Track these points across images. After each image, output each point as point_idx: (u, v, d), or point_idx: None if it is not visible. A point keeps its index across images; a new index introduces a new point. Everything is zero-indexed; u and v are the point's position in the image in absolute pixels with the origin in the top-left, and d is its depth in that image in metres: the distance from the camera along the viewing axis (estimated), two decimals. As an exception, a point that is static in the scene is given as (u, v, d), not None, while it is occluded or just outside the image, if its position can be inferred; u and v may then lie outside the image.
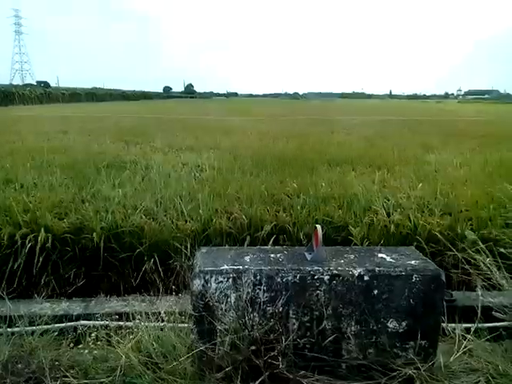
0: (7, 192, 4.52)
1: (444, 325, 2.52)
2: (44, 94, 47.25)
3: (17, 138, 10.27)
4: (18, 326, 2.65)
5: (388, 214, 4.07)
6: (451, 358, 2.32)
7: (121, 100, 60.84)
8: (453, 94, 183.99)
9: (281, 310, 2.25)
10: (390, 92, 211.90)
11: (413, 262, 2.36)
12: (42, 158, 7.03)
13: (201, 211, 4.05)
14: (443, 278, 2.28)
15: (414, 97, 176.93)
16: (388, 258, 2.41)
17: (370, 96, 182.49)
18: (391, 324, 2.28)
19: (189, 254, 3.48)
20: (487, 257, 3.02)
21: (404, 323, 2.28)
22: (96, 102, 51.14)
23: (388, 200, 4.44)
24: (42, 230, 3.55)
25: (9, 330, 2.61)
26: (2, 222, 3.70)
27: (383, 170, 6.40)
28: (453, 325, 2.60)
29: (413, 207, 4.22)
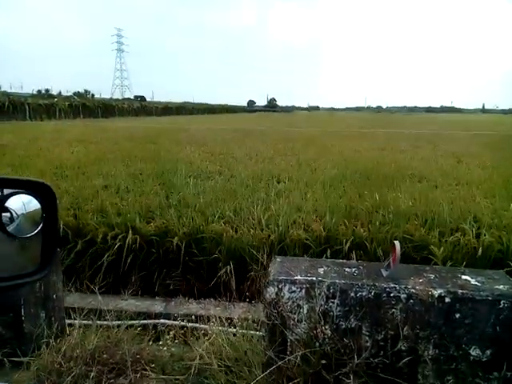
0: (104, 196, 4.96)
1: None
2: (140, 107, 51.12)
3: (116, 147, 11.20)
4: (106, 319, 2.88)
5: (477, 235, 3.81)
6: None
7: (208, 113, 63.65)
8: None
9: (354, 325, 2.21)
10: (483, 106, 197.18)
11: (501, 287, 2.19)
12: (135, 165, 7.62)
13: (279, 222, 4.10)
14: (535, 305, 2.09)
15: (510, 111, 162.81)
16: (473, 281, 2.27)
17: (459, 110, 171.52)
18: (474, 352, 2.13)
19: (264, 263, 3.54)
20: None
21: (488, 351, 2.12)
22: (186, 115, 54.04)
23: (477, 220, 4.16)
24: (130, 231, 3.84)
25: (98, 322, 2.85)
26: (98, 222, 4.07)
27: (471, 188, 5.99)
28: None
29: (505, 229, 3.91)
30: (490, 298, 2.11)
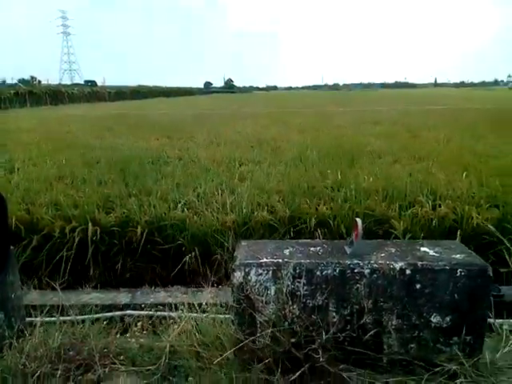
0: (59, 187, 4.77)
1: (491, 320, 2.44)
2: (91, 92, 49.06)
3: (68, 136, 10.77)
4: (69, 315, 2.80)
5: (434, 207, 3.96)
6: (498, 355, 2.24)
7: (164, 97, 62.14)
8: (502, 81, 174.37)
9: (321, 303, 2.25)
10: (435, 80, 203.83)
11: (457, 256, 2.29)
12: (91, 154, 7.36)
13: (243, 204, 4.10)
14: (490, 272, 2.20)
15: (462, 85, 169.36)
16: (431, 252, 2.36)
17: (413, 85, 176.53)
18: (434, 319, 2.23)
19: (230, 247, 3.54)
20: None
21: (448, 318, 2.22)
22: (141, 100, 52.56)
23: (432, 193, 4.31)
24: (90, 223, 3.73)
25: (61, 318, 2.76)
26: (54, 216, 3.92)
27: (428, 161, 6.20)
28: (500, 320, 2.51)
29: (459, 199, 4.08)
30: (447, 268, 2.20)
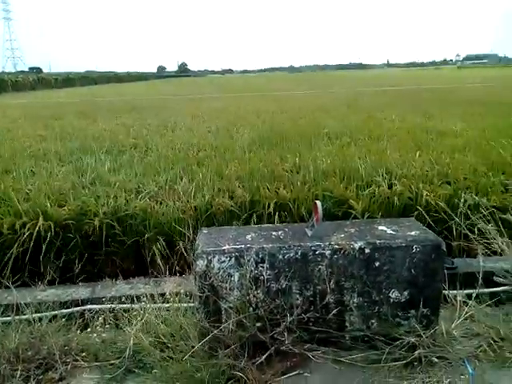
0: (6, 182, 4.51)
1: (446, 292, 2.56)
2: (37, 80, 46.58)
3: (12, 126, 10.20)
4: (25, 314, 2.69)
5: (390, 186, 4.07)
6: (453, 325, 2.36)
7: (115, 82, 60.00)
8: (451, 60, 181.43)
9: (284, 286, 2.28)
10: (388, 61, 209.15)
11: (413, 233, 2.38)
12: (38, 145, 7.00)
13: (205, 191, 4.05)
14: (443, 247, 2.30)
15: (413, 65, 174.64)
16: (388, 230, 2.43)
17: (367, 66, 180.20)
18: (393, 294, 2.31)
19: (192, 236, 3.49)
20: (489, 223, 3.04)
21: (406, 293, 2.31)
22: (90, 86, 50.51)
23: (388, 172, 4.43)
24: (41, 217, 3.56)
25: (17, 317, 2.64)
26: (4, 212, 3.71)
27: (383, 141, 6.36)
28: (454, 292, 2.63)
29: (413, 177, 4.22)
30: (404, 245, 2.28)
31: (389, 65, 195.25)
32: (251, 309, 2.26)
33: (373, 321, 2.35)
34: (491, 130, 6.83)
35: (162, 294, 2.85)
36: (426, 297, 2.32)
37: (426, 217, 3.56)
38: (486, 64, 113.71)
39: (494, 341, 2.29)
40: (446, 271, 2.40)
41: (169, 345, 2.35)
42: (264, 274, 2.25)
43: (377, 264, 2.28)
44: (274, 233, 2.46)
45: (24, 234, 3.44)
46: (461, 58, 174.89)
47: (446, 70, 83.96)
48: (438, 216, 3.64)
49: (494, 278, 2.79)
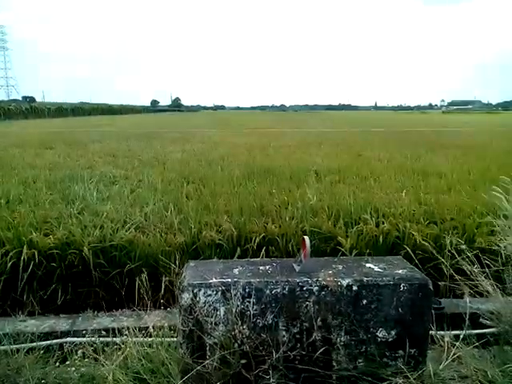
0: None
1: (433, 332, 2.54)
2: (30, 109, 46.86)
3: (2, 153, 10.16)
4: (3, 345, 2.60)
5: (377, 224, 4.10)
6: (441, 366, 2.32)
7: (107, 114, 60.52)
8: (436, 105, 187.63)
9: (271, 322, 2.24)
10: (376, 104, 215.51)
11: (400, 271, 2.38)
12: (27, 173, 6.96)
13: (191, 224, 4.03)
14: (430, 286, 2.30)
15: (399, 108, 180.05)
16: (376, 268, 2.43)
17: (355, 108, 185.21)
18: (380, 333, 2.28)
19: (177, 268, 3.45)
20: (474, 265, 3.05)
21: (393, 332, 2.28)
22: (83, 117, 50.87)
23: (376, 210, 4.48)
24: (25, 246, 3.49)
25: (-6, 348, 2.55)
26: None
27: (370, 180, 6.45)
28: (442, 332, 2.61)
29: (400, 217, 4.27)
30: (391, 283, 2.27)
31: (376, 107, 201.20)
32: (236, 345, 2.20)
33: (360, 360, 2.30)
34: (476, 172, 6.99)
35: (145, 328, 2.78)
36: (414, 337, 2.29)
37: (413, 256, 3.58)
38: (470, 110, 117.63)
39: (481, 383, 2.26)
40: (433, 311, 2.39)
41: (150, 382, 2.28)
42: (250, 309, 2.21)
43: (364, 302, 2.26)
44: (261, 267, 2.44)
45: (6, 262, 3.37)
46: (445, 103, 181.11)
47: (431, 114, 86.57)
48: (425, 255, 3.67)
49: (481, 319, 2.78)
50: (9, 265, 3.38)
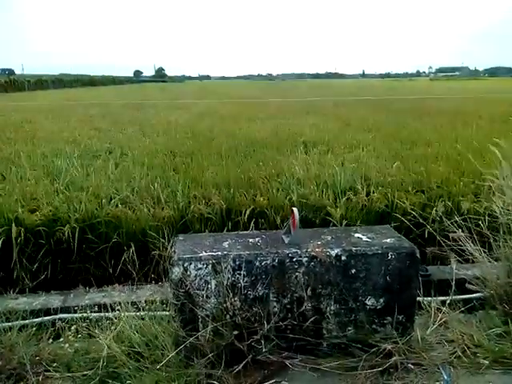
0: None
1: (420, 299, 2.60)
2: (8, 82, 45.39)
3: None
4: (-6, 323, 2.60)
5: (367, 193, 4.12)
6: (428, 331, 2.39)
7: (89, 86, 58.99)
8: (424, 72, 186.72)
9: (261, 293, 2.26)
10: (363, 72, 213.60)
11: (388, 241, 2.41)
12: (9, 149, 6.80)
13: (179, 198, 4.00)
14: (418, 254, 2.34)
15: (387, 75, 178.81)
16: (364, 238, 2.45)
17: (343, 76, 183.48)
18: (369, 301, 2.33)
19: (167, 243, 3.44)
20: (462, 231, 3.10)
21: (382, 300, 2.33)
22: (64, 89, 49.55)
23: (366, 180, 4.49)
24: (13, 223, 3.45)
25: (-14, 326, 2.55)
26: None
27: (359, 149, 6.45)
28: (429, 298, 2.68)
29: (390, 185, 4.29)
30: (379, 252, 2.31)
31: (364, 75, 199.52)
32: (228, 316, 2.23)
33: (349, 328, 2.36)
34: (462, 140, 7.03)
35: (138, 302, 2.80)
36: (402, 304, 2.34)
37: (404, 222, 3.62)
38: (457, 76, 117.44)
39: (468, 347, 2.33)
40: (420, 278, 2.44)
41: (144, 354, 2.30)
42: (241, 281, 2.23)
43: (353, 271, 2.30)
44: (250, 240, 2.45)
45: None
46: (433, 70, 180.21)
47: (419, 81, 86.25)
48: (413, 223, 3.71)
49: (467, 285, 2.85)
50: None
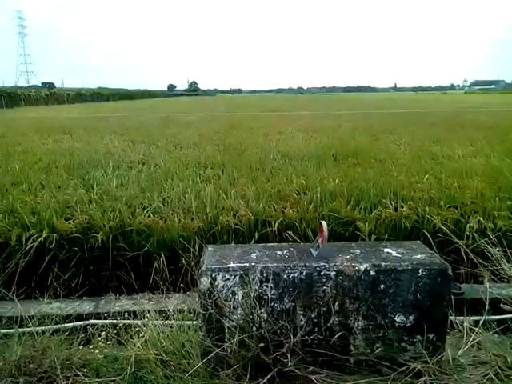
0: (15, 194, 4.56)
1: (452, 318, 2.52)
2: (49, 95, 47.44)
3: (23, 139, 10.35)
4: (28, 327, 2.68)
5: (396, 208, 4.06)
6: (459, 351, 2.32)
7: (126, 99, 60.88)
8: (459, 85, 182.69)
9: (288, 306, 2.26)
10: (395, 85, 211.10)
11: (419, 256, 2.36)
12: (48, 159, 7.09)
13: (209, 209, 4.06)
14: (450, 271, 2.28)
15: (420, 89, 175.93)
16: (394, 253, 2.41)
17: (374, 89, 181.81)
18: (398, 318, 2.28)
19: (196, 252, 3.50)
20: (496, 247, 3.00)
21: (411, 317, 2.28)
22: (102, 102, 51.33)
23: (395, 194, 4.43)
24: (46, 230, 3.59)
25: (20, 330, 2.64)
26: (11, 223, 3.74)
27: (388, 163, 6.37)
28: (461, 318, 2.59)
29: (420, 200, 4.21)
30: (409, 268, 2.26)
31: (396, 88, 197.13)
32: (254, 328, 2.24)
33: (377, 345, 2.31)
34: (498, 154, 6.83)
35: (166, 311, 2.84)
36: (432, 322, 2.28)
37: (431, 241, 3.54)
38: (493, 90, 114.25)
39: (502, 369, 2.24)
40: (452, 296, 2.37)
41: (171, 362, 2.33)
42: (268, 293, 2.24)
43: (382, 287, 2.26)
44: (278, 252, 2.45)
45: (32, 246, 3.47)
46: (468, 84, 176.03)
47: (453, 94, 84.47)
48: (444, 239, 3.62)
49: (501, 305, 2.75)
50: (34, 248, 3.47)
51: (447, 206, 4.11)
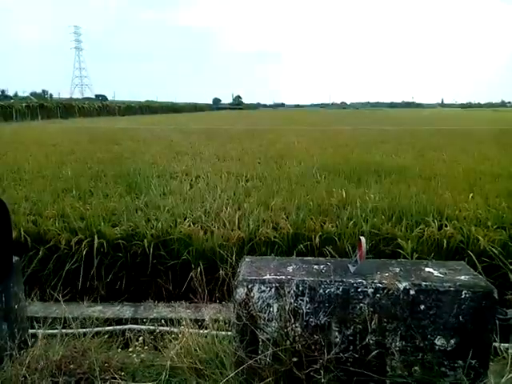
0: (66, 200, 4.80)
1: (496, 344, 2.40)
2: (102, 107, 49.79)
3: (77, 148, 10.88)
4: (71, 328, 2.79)
5: (439, 227, 3.93)
6: (503, 379, 2.19)
7: (173, 112, 62.73)
8: (510, 102, 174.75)
9: (323, 322, 2.23)
10: (442, 101, 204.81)
11: (462, 278, 2.27)
12: (97, 167, 7.42)
13: (250, 221, 4.09)
14: (495, 294, 2.17)
15: (469, 105, 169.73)
16: (436, 273, 2.33)
17: (420, 105, 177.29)
18: (439, 341, 2.20)
19: (234, 263, 3.53)
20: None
21: (452, 341, 2.19)
22: (150, 115, 53.15)
23: (439, 213, 4.29)
24: (96, 236, 3.74)
25: (63, 331, 2.74)
26: (61, 228, 3.94)
27: (433, 181, 6.18)
28: (506, 344, 2.46)
29: (465, 220, 4.06)
30: (452, 289, 2.17)
31: (443, 104, 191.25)
32: (288, 342, 2.22)
33: (416, 368, 2.23)
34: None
35: (201, 320, 2.88)
36: (475, 347, 2.18)
37: (477, 263, 3.39)
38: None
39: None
40: (497, 322, 2.26)
41: (204, 371, 2.35)
42: (303, 307, 2.22)
43: (422, 307, 2.18)
44: (315, 266, 2.43)
45: (78, 250, 3.63)
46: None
47: (504, 112, 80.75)
48: (491, 262, 3.46)
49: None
50: (83, 253, 3.63)
51: (495, 226, 3.93)
